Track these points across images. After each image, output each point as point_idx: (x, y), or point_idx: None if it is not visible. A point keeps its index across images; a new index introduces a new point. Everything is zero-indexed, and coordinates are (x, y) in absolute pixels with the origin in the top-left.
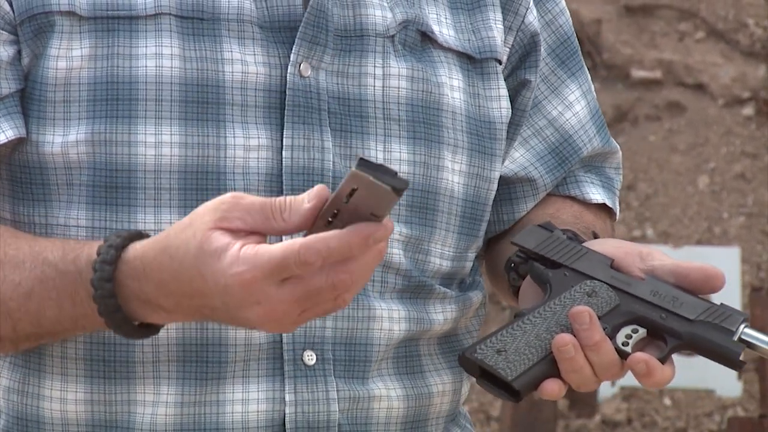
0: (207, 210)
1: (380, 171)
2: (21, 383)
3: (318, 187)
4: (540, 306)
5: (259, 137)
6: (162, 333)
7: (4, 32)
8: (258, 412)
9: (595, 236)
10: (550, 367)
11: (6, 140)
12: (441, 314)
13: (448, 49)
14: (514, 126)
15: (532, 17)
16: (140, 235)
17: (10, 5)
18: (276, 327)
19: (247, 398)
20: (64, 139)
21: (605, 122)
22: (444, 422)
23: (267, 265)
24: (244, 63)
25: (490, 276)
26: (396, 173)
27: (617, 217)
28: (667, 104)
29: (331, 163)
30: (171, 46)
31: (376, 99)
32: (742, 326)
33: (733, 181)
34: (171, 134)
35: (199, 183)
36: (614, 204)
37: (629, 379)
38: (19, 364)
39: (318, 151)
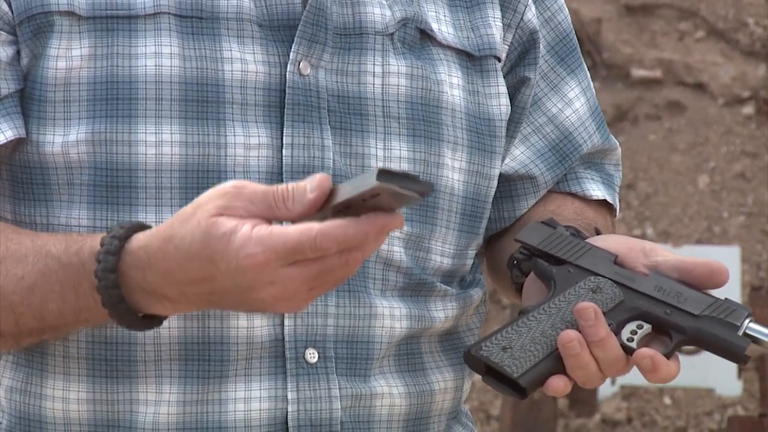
0: (209, 199)
1: (404, 179)
2: (24, 383)
3: (320, 177)
4: (545, 303)
5: (259, 136)
6: (164, 332)
7: (3, 32)
8: (260, 410)
9: (598, 232)
10: (556, 363)
11: (5, 140)
12: (442, 312)
13: (447, 47)
14: (513, 123)
15: (531, 14)
16: (143, 227)
17: (9, 5)
18: (287, 306)
19: (249, 396)
20: (64, 139)
21: (604, 119)
22: (446, 419)
23: (281, 247)
24: (244, 62)
25: (491, 273)
26: (418, 177)
27: (617, 214)
28: (667, 103)
29: (331, 161)
30: (170, 45)
31: (375, 97)
32: (747, 321)
33: (733, 180)
34: (171, 133)
35: (199, 182)
36: (614, 200)
37: (629, 378)
38: (22, 363)
39: (318, 150)
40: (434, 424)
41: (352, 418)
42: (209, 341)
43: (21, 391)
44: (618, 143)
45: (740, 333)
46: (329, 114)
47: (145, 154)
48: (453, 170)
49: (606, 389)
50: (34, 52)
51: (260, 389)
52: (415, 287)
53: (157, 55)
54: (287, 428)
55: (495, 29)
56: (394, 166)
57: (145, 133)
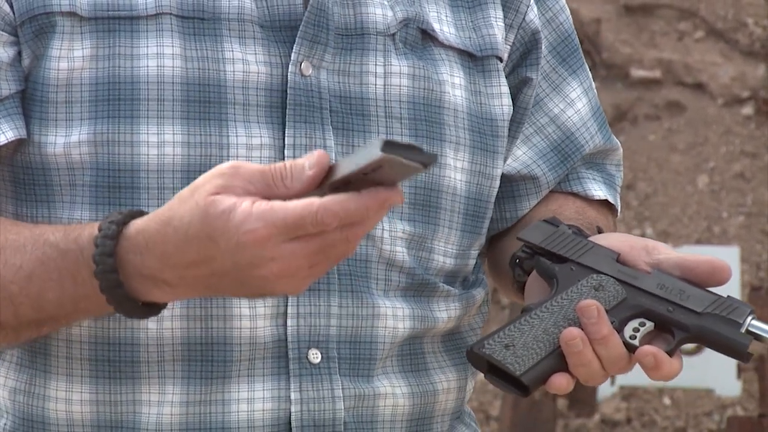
0: (207, 179)
1: (408, 150)
2: (27, 384)
3: (319, 153)
4: (547, 300)
5: (261, 136)
6: (167, 332)
7: (4, 33)
8: (263, 411)
9: (600, 231)
10: (558, 361)
11: (6, 141)
12: (445, 312)
13: (449, 47)
14: (516, 124)
15: (533, 15)
16: (141, 213)
17: (11, 6)
18: (288, 284)
19: (252, 397)
20: (66, 140)
21: (606, 119)
22: (449, 419)
23: (282, 222)
24: (246, 62)
25: (492, 273)
26: (422, 149)
27: (618, 214)
28: (667, 104)
29: (333, 161)
30: (172, 46)
31: (377, 97)
32: (749, 318)
33: (732, 180)
34: (173, 134)
35: None
36: (616, 200)
37: (629, 379)
38: (26, 364)
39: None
40: (437, 424)
41: (355, 418)
42: (212, 342)
43: (24, 392)
44: (619, 143)
45: (743, 330)
46: (331, 114)
47: (147, 155)
48: (455, 170)
49: (605, 389)
50: (35, 52)
51: (263, 390)
52: (418, 287)
53: (159, 56)
54: (290, 429)
55: (497, 29)
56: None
57: (147, 133)
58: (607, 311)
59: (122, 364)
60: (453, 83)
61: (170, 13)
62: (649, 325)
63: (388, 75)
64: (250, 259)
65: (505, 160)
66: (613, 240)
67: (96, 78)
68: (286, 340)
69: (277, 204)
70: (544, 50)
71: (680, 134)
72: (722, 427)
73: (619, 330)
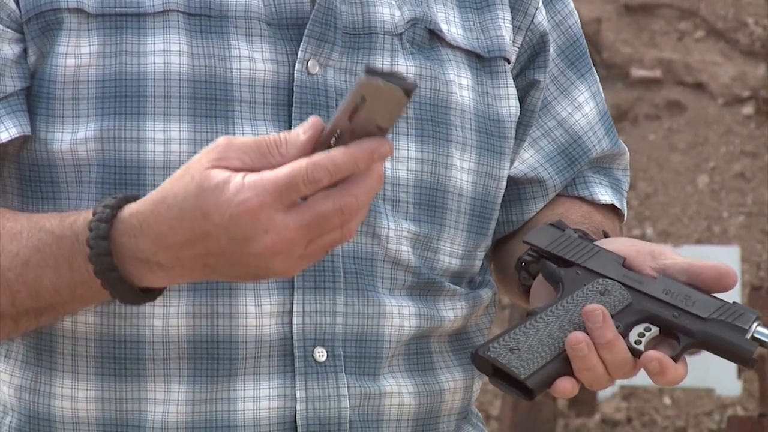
0: (201, 154)
1: (388, 76)
2: (33, 381)
3: (312, 118)
4: (553, 304)
5: (267, 133)
6: (172, 330)
7: (9, 30)
8: (269, 409)
9: (606, 235)
10: (563, 365)
11: (9, 138)
12: (451, 311)
13: (457, 48)
14: (523, 126)
15: (542, 17)
16: (136, 198)
17: (17, 3)
18: (284, 262)
19: (258, 395)
20: (72, 137)
21: (613, 123)
22: (456, 419)
23: (273, 187)
24: (252, 60)
25: (498, 277)
26: (404, 76)
27: (625, 219)
28: (667, 103)
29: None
30: (179, 43)
31: None
32: (755, 324)
33: (732, 180)
34: (180, 131)
35: None
36: (622, 205)
37: (629, 379)
38: (31, 362)
39: None
40: (443, 424)
41: (361, 417)
42: (218, 339)
43: (30, 389)
44: (626, 148)
45: (748, 336)
46: None
47: (153, 152)
48: (461, 171)
49: (606, 389)
50: (41, 49)
51: (269, 388)
52: (424, 286)
53: (166, 53)
54: (296, 427)
55: (504, 31)
56: (402, 166)
57: (154, 130)
58: (612, 316)
59: (128, 361)
60: (460, 84)
61: (177, 10)
62: (655, 330)
63: None
64: (244, 232)
65: (511, 163)
66: (619, 244)
67: (102, 75)
68: (292, 338)
69: (267, 172)
70: (553, 53)
71: (680, 134)
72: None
73: (625, 335)
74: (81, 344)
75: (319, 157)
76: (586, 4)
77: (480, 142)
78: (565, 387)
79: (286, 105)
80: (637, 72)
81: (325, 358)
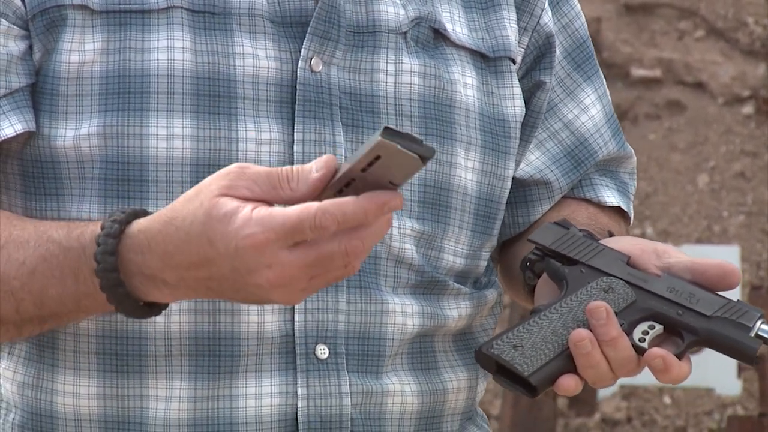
0: (213, 180)
1: (406, 139)
2: (35, 378)
3: (327, 157)
4: (556, 302)
5: (270, 131)
6: (174, 326)
7: (15, 27)
8: (271, 406)
9: (611, 235)
10: (567, 362)
11: (14, 133)
12: (455, 310)
13: (461, 47)
14: (528, 128)
15: (547, 18)
16: (144, 213)
17: (22, 0)
18: (285, 294)
19: (260, 392)
20: (76, 133)
21: (620, 126)
22: (460, 420)
23: (281, 227)
24: (256, 57)
25: (504, 279)
26: (422, 141)
27: (631, 222)
28: (667, 103)
29: (342, 157)
30: (183, 40)
31: (388, 95)
32: (759, 322)
33: (732, 179)
34: (183, 127)
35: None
36: (629, 208)
37: (629, 378)
38: (34, 359)
39: (329, 146)
40: (447, 423)
41: (362, 415)
42: (219, 336)
43: (32, 386)
44: (633, 151)
45: (752, 334)
46: (341, 111)
47: (156, 148)
48: (466, 170)
49: (606, 389)
50: (46, 46)
51: (271, 385)
52: (428, 285)
53: (169, 50)
54: (297, 424)
55: (510, 31)
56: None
57: (157, 126)
58: (616, 313)
59: (130, 358)
60: (465, 83)
61: (181, 7)
62: (659, 328)
63: (399, 73)
64: (248, 265)
65: (517, 164)
66: (623, 243)
67: (106, 71)
68: (294, 335)
69: (276, 209)
70: (559, 56)
71: (680, 133)
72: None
73: (629, 332)
74: (83, 341)
75: (330, 205)
76: (586, 4)
77: (485, 142)
78: (569, 384)
79: (290, 102)
80: (637, 71)
81: (327, 355)
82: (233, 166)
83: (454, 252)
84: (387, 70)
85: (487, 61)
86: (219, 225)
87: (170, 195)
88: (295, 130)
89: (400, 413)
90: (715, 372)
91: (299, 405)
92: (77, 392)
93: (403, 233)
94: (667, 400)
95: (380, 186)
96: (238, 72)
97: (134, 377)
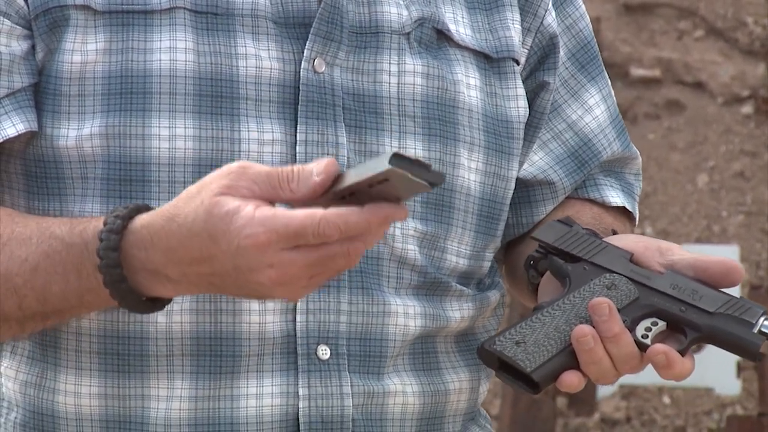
0: (214, 178)
1: (416, 166)
2: (38, 377)
3: (327, 162)
4: (559, 298)
5: (273, 132)
6: (176, 326)
7: (18, 27)
8: (272, 406)
9: (614, 233)
10: (570, 358)
11: (17, 133)
12: (458, 312)
13: (465, 48)
14: (532, 128)
15: (551, 19)
16: (147, 208)
17: (25, 0)
18: (284, 292)
19: (261, 393)
20: (78, 133)
21: (625, 127)
22: (462, 420)
23: (283, 229)
24: (258, 58)
25: (509, 279)
26: (431, 167)
27: (636, 222)
28: (667, 102)
29: (345, 158)
30: (185, 41)
31: (391, 96)
32: (762, 319)
33: (732, 179)
34: (185, 127)
35: None
36: (634, 208)
37: (629, 377)
38: (37, 358)
39: (332, 147)
40: (449, 424)
41: (364, 415)
42: (221, 336)
43: (35, 385)
44: (638, 152)
45: (755, 331)
46: (344, 112)
47: (159, 148)
48: (469, 171)
49: (605, 388)
50: (49, 46)
51: (272, 385)
52: (430, 286)
53: (172, 50)
54: (299, 425)
55: (514, 32)
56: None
57: (159, 127)
58: (619, 310)
59: (131, 357)
60: (468, 84)
61: (184, 8)
62: (662, 324)
63: (402, 74)
64: (250, 264)
65: (521, 164)
66: (627, 241)
67: (109, 71)
68: (295, 335)
69: (280, 211)
70: (563, 56)
71: (680, 133)
72: (722, 426)
73: (631, 329)
74: (85, 340)
75: (334, 215)
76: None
77: (488, 143)
78: (571, 380)
79: (292, 103)
80: (637, 71)
81: (328, 356)
82: (234, 165)
83: (457, 253)
84: (390, 71)
85: (490, 61)
86: (221, 223)
87: (172, 195)
88: (297, 131)
89: (402, 414)
90: (714, 372)
91: (300, 405)
92: (79, 392)
93: (406, 234)
94: (666, 399)
95: (384, 199)
96: (240, 73)
97: (136, 377)
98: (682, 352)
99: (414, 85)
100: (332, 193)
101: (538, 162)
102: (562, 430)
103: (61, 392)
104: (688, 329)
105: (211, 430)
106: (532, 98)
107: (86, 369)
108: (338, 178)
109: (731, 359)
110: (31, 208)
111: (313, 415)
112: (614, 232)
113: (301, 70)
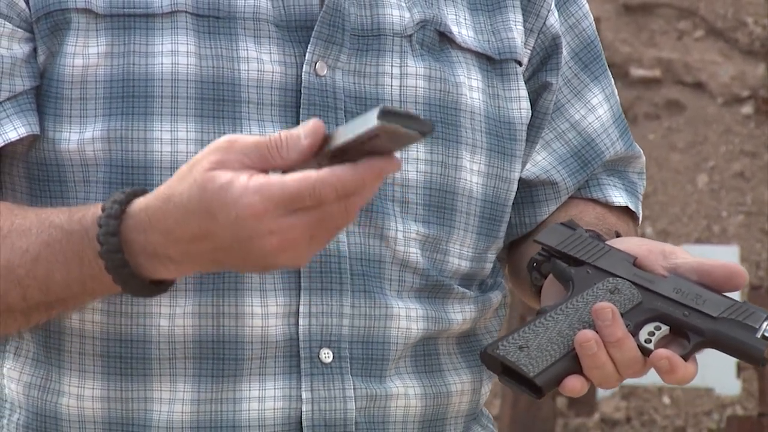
0: (204, 155)
1: (405, 118)
2: (43, 379)
3: (313, 123)
4: (562, 303)
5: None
6: (178, 329)
7: (20, 30)
8: (275, 409)
9: (618, 236)
10: (573, 363)
11: (18, 137)
12: (460, 314)
13: (467, 50)
14: (535, 129)
15: (554, 19)
16: (144, 191)
17: (26, 3)
18: (290, 258)
19: (263, 396)
20: (80, 137)
21: (628, 126)
22: (464, 422)
23: (279, 195)
24: (260, 61)
25: (512, 280)
26: (419, 117)
27: (640, 221)
28: (666, 103)
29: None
30: (187, 44)
31: (393, 98)
32: (766, 323)
33: (732, 179)
34: (187, 131)
35: None
36: (637, 208)
37: (639, 378)
38: (41, 359)
39: None
40: (451, 426)
41: (366, 418)
42: (223, 339)
43: (39, 387)
44: (642, 151)
45: (759, 335)
46: (346, 115)
47: (161, 152)
48: (471, 173)
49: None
50: (51, 49)
51: (274, 388)
52: (432, 289)
53: (174, 54)
54: (301, 428)
55: (516, 33)
56: (411, 167)
57: (161, 130)
58: (622, 314)
59: (134, 360)
60: (470, 86)
61: (185, 11)
62: (665, 329)
63: (404, 76)
64: (249, 233)
65: (523, 165)
66: (630, 244)
67: (111, 75)
68: (298, 339)
69: (274, 178)
70: (567, 56)
71: (680, 133)
72: (722, 426)
73: (634, 333)
74: (88, 343)
75: (329, 175)
76: None
77: (490, 145)
78: (574, 385)
79: (294, 106)
80: (637, 71)
81: (331, 359)
82: (221, 140)
83: (460, 255)
84: (392, 74)
85: (492, 63)
86: (216, 197)
87: None
88: None
89: (404, 416)
90: (714, 372)
91: (303, 409)
92: (81, 394)
93: (408, 237)
94: (666, 400)
95: (376, 153)
96: (242, 76)
97: (138, 380)
98: (685, 357)
99: (416, 87)
100: (323, 153)
101: (541, 162)
102: (562, 430)
103: (65, 394)
104: (691, 334)
105: None
106: (534, 99)
107: (89, 372)
108: (327, 138)
109: (731, 360)
110: None
111: (316, 418)
112: (617, 234)
113: (303, 73)
